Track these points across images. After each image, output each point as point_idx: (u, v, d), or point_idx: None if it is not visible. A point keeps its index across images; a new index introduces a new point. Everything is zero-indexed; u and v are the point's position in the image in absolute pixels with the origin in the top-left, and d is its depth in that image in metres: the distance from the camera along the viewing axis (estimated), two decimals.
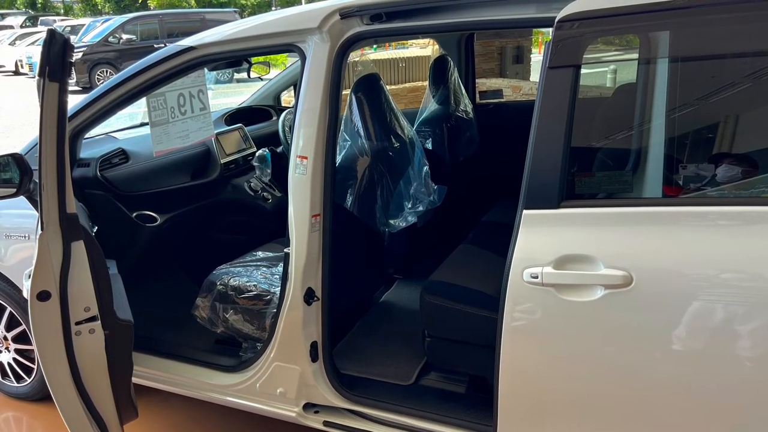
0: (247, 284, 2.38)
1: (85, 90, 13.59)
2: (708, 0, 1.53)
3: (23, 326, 2.73)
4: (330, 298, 2.13)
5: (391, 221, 2.63)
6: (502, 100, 4.46)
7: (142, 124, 3.37)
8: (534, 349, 1.72)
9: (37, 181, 1.71)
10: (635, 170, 1.89)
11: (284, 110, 3.46)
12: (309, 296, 2.07)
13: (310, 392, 2.20)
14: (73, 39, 14.22)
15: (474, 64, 3.93)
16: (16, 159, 1.93)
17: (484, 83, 7.72)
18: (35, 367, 2.77)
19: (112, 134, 3.11)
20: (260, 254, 2.60)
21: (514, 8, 1.78)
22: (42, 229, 1.73)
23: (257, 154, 3.16)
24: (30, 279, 1.75)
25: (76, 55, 13.86)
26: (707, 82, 1.85)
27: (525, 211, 1.66)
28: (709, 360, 1.54)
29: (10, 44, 19.75)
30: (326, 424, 2.21)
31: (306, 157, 1.99)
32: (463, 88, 3.57)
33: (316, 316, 2.12)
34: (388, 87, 2.75)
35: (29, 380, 2.82)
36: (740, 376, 1.52)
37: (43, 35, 1.70)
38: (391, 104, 2.68)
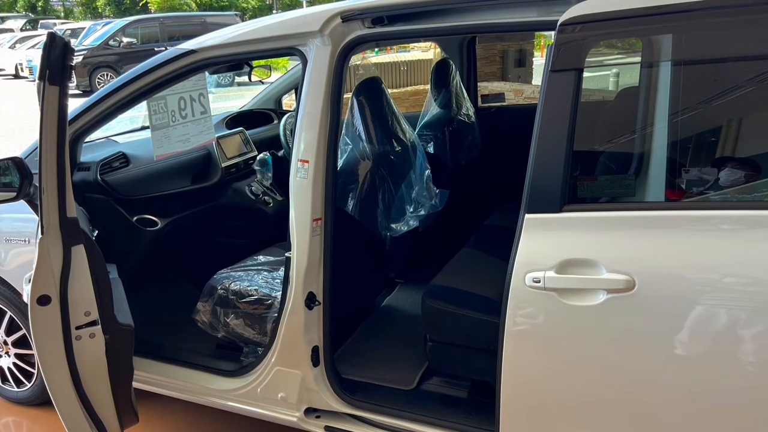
0: (248, 288, 2.37)
1: (86, 93, 13.61)
2: (711, 3, 1.52)
3: (23, 331, 2.72)
4: (331, 302, 2.12)
5: (393, 225, 2.62)
6: (504, 103, 4.45)
7: (143, 128, 3.36)
8: (536, 354, 1.71)
9: (38, 185, 1.71)
10: (638, 174, 1.89)
11: (285, 114, 3.45)
12: (310, 300, 2.06)
13: (311, 397, 2.20)
14: (73, 42, 14.26)
15: (476, 68, 3.93)
16: (16, 163, 1.93)
17: (486, 87, 7.72)
18: (35, 371, 2.76)
19: (112, 138, 3.11)
20: (261, 258, 2.59)
21: (517, 11, 1.77)
22: (42, 233, 1.72)
23: (258, 157, 3.16)
24: (30, 283, 1.74)
25: (77, 59, 13.84)
26: (710, 85, 1.85)
27: (527, 215, 1.66)
28: (712, 364, 1.54)
29: (10, 47, 19.77)
30: (327, 428, 2.20)
31: (307, 161, 1.98)
32: (464, 91, 3.56)
33: (317, 320, 2.12)
34: (389, 90, 2.74)
35: (29, 385, 2.81)
36: (743, 380, 1.51)
37: (44, 38, 1.70)
38: (393, 108, 2.67)
